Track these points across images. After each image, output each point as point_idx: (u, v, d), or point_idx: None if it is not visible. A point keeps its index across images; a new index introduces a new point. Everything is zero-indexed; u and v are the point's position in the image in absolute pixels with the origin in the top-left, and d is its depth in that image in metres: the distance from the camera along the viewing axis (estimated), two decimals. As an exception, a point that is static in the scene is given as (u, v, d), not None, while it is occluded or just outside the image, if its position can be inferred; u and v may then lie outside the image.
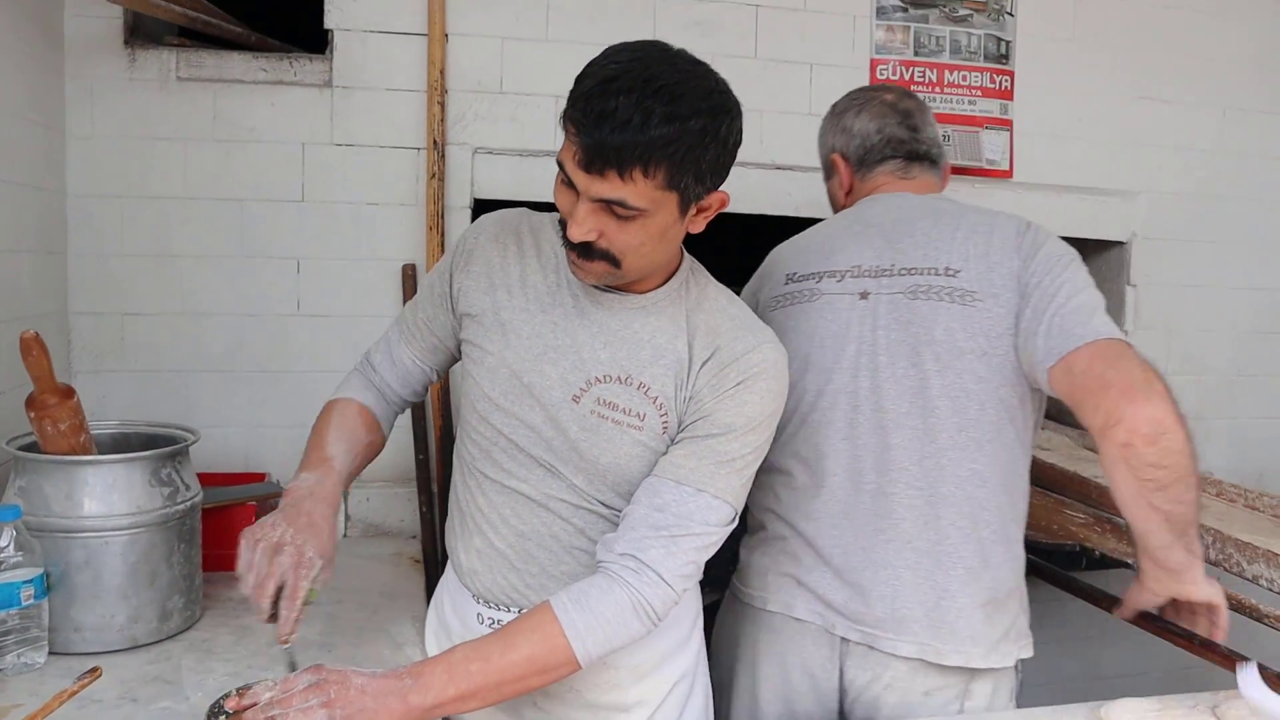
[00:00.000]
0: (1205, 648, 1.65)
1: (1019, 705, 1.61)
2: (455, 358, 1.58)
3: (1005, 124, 2.64)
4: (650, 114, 1.16)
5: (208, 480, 2.08)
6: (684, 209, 1.28)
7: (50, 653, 1.56)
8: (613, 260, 1.28)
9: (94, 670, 1.31)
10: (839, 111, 1.86)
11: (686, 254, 1.45)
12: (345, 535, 2.32)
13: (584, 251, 1.28)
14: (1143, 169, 2.80)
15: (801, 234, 1.85)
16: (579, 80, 1.22)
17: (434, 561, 2.27)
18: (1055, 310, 1.47)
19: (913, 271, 1.59)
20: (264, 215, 2.27)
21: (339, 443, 1.47)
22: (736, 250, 2.93)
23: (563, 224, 1.31)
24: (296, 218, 2.28)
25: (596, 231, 1.25)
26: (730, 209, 2.35)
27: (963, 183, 2.61)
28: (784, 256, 1.81)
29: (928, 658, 1.54)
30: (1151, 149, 2.81)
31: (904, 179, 1.78)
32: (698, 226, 1.34)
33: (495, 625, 1.46)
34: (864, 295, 1.63)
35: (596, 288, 1.39)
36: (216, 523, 1.95)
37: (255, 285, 2.29)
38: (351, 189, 2.30)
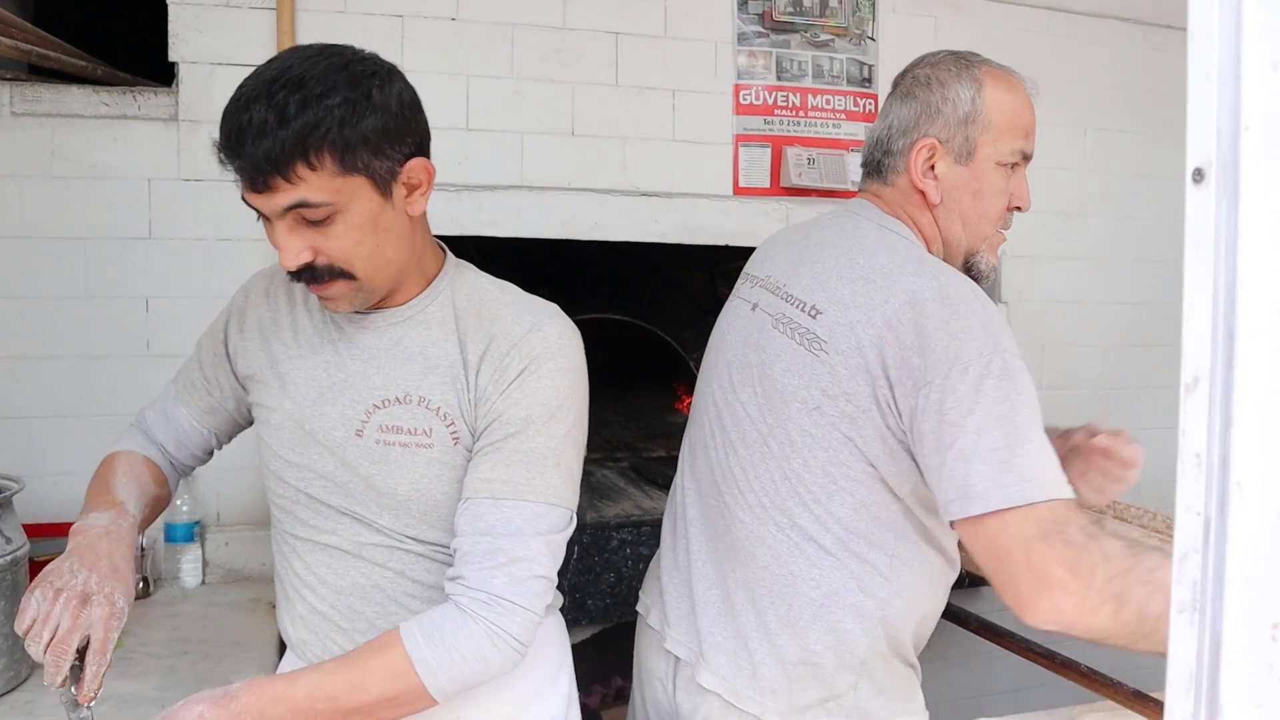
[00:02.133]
0: (1065, 666, 1.66)
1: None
2: (239, 423, 1.51)
3: (870, 147, 2.66)
4: (284, 107, 1.10)
5: (50, 530, 1.99)
6: (384, 190, 1.19)
7: None
8: (344, 274, 1.21)
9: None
10: None
11: (450, 254, 1.38)
12: (204, 582, 2.23)
13: (312, 276, 1.21)
14: (1010, 189, 2.85)
15: (785, 230, 1.71)
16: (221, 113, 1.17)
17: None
18: (957, 453, 1.22)
19: (789, 299, 1.45)
20: (109, 254, 2.19)
21: (128, 489, 1.37)
22: (605, 277, 2.92)
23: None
24: (144, 256, 2.20)
25: (307, 250, 1.18)
26: (597, 236, 2.32)
27: (829, 204, 2.63)
28: (757, 250, 1.68)
29: (725, 696, 1.44)
30: (1017, 168, 2.86)
31: (862, 190, 1.57)
32: (418, 206, 1.25)
33: None
34: (754, 307, 1.52)
35: (357, 313, 1.31)
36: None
37: (102, 326, 2.20)
38: (201, 225, 2.23)
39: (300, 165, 1.12)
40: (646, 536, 2.25)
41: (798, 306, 1.42)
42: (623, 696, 1.77)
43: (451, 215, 2.31)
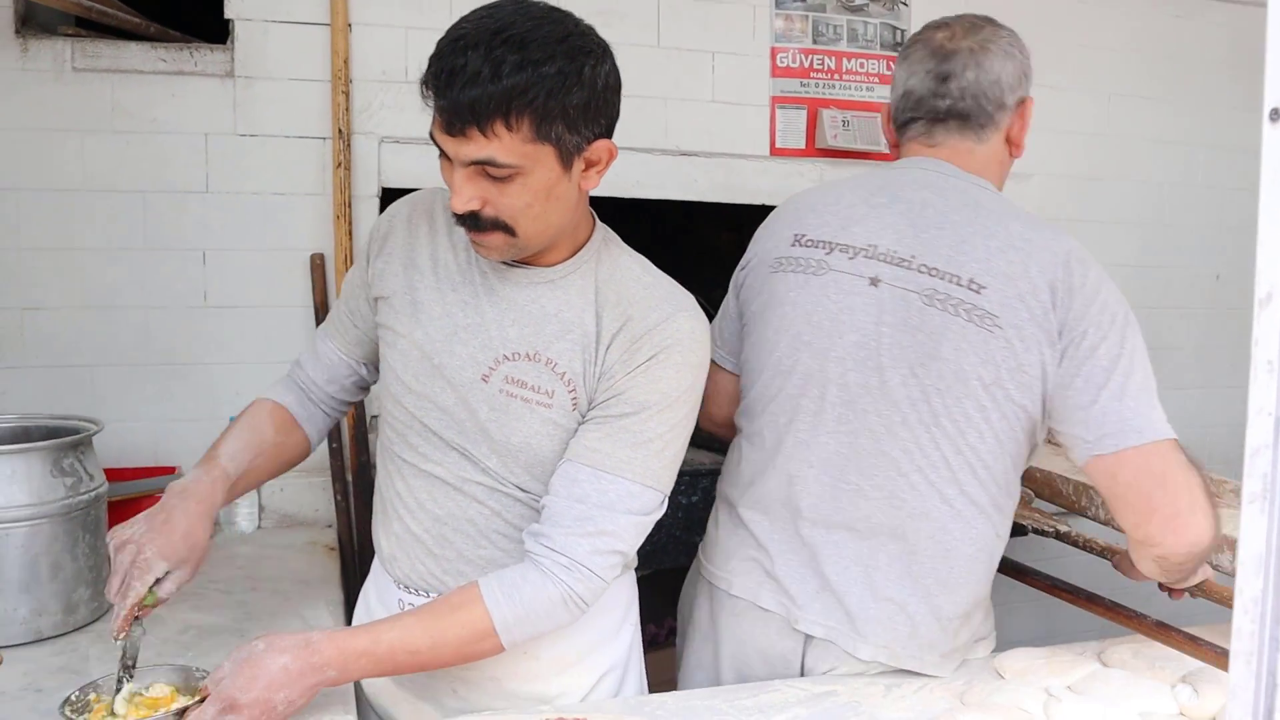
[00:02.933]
0: (1090, 601, 1.73)
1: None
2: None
3: (902, 110, 2.72)
4: (500, 64, 1.12)
5: (115, 475, 2.06)
6: (566, 163, 1.22)
7: (-51, 647, 1.55)
8: (506, 228, 1.24)
9: (-4, 658, 1.30)
10: (899, 54, 1.64)
11: (600, 223, 1.41)
12: (260, 527, 2.31)
13: (474, 224, 1.24)
14: (1033, 152, 2.88)
15: (819, 188, 1.70)
16: (435, 47, 1.19)
17: (350, 549, 2.28)
18: (1111, 393, 1.36)
19: (933, 273, 1.45)
20: (168, 207, 2.25)
21: (236, 440, 1.47)
22: (648, 237, 2.97)
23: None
24: (201, 209, 2.27)
25: (478, 199, 1.21)
26: (639, 194, 2.37)
27: (864, 166, 2.70)
28: (795, 211, 1.64)
29: (882, 659, 1.50)
30: (1042, 133, 2.91)
31: (929, 145, 1.56)
32: (591, 182, 1.28)
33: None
34: (874, 282, 1.48)
35: (504, 263, 1.35)
36: (123, 516, 1.93)
37: (161, 277, 2.26)
38: (257, 179, 2.29)
39: (499, 123, 1.15)
40: (685, 486, 2.32)
41: (951, 281, 1.43)
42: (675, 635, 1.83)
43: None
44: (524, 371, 1.33)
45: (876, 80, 2.70)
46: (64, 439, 1.67)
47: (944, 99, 1.53)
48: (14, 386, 2.20)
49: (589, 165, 1.26)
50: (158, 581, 1.31)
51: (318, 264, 2.29)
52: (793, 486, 1.54)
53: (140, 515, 1.32)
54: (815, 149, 2.64)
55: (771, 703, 1.38)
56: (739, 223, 3.02)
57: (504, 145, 1.17)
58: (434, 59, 1.18)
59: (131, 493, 1.97)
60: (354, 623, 1.63)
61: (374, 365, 1.54)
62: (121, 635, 1.29)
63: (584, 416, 1.34)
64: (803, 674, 1.54)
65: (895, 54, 2.71)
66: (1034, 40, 2.84)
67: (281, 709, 1.18)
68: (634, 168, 2.41)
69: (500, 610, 1.25)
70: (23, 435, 1.78)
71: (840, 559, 1.51)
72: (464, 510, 1.40)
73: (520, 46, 1.14)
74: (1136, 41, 3.04)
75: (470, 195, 1.21)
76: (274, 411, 1.52)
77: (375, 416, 2.38)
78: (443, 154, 1.24)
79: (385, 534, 1.49)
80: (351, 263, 2.25)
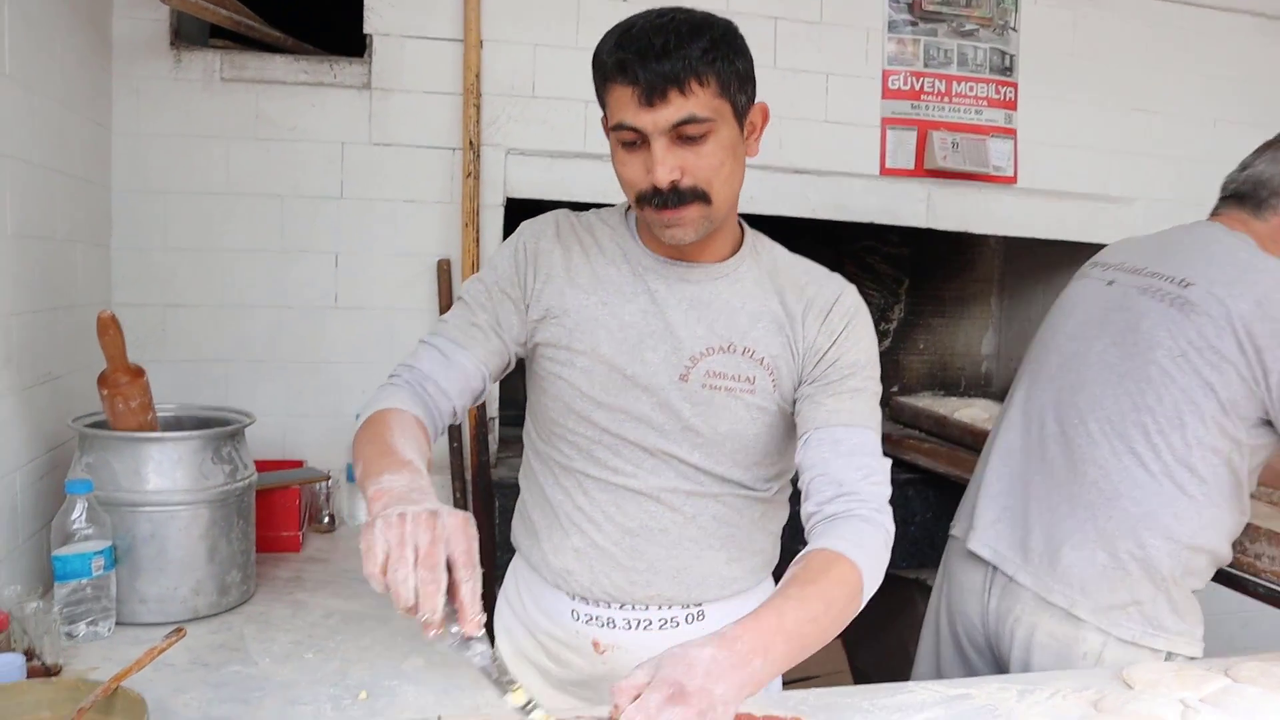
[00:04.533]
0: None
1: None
2: (509, 367, 1.51)
3: (1010, 133, 2.76)
4: (680, 35, 1.24)
5: (248, 467, 2.16)
6: (740, 121, 1.31)
7: (116, 623, 1.63)
8: (703, 197, 1.29)
9: (179, 630, 1.37)
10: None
11: (744, 223, 1.50)
12: (378, 521, 2.38)
13: (675, 199, 1.29)
14: (1138, 177, 2.93)
15: (1135, 237, 2.05)
16: (598, 51, 1.30)
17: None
18: None
19: (1156, 275, 1.78)
20: (303, 211, 2.36)
21: (414, 452, 1.21)
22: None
23: (641, 200, 1.32)
24: (335, 214, 2.37)
25: (678, 168, 1.27)
26: (752, 210, 2.46)
27: (969, 187, 2.74)
28: (1109, 250, 2.01)
29: (1039, 592, 1.74)
30: (1146, 158, 2.94)
31: (1215, 215, 1.87)
32: (754, 149, 1.37)
33: (592, 621, 1.49)
34: (1110, 283, 1.86)
35: (676, 264, 1.41)
36: (261, 505, 2.03)
37: (294, 279, 2.37)
38: (389, 187, 2.39)
39: (693, 81, 1.24)
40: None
41: (1166, 280, 1.76)
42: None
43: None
44: (722, 364, 1.40)
45: (985, 103, 2.74)
46: (224, 428, 1.76)
47: (1233, 181, 1.87)
48: (153, 380, 2.28)
49: (751, 129, 1.35)
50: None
51: (444, 269, 2.37)
52: (1007, 434, 1.90)
53: (391, 508, 1.02)
54: (924, 169, 2.69)
55: (910, 703, 1.41)
56: (836, 238, 3.07)
57: (700, 101, 1.25)
58: (616, 46, 1.27)
59: (271, 483, 2.05)
60: (499, 636, 1.65)
61: (493, 379, 1.51)
62: (479, 630, 1.00)
63: (784, 398, 1.42)
64: (988, 604, 1.83)
65: (1004, 78, 2.75)
66: (1140, 65, 2.90)
67: (720, 708, 0.98)
68: (750, 184, 2.41)
69: (862, 560, 1.21)
70: (175, 425, 1.88)
71: (1021, 495, 1.82)
72: (657, 520, 1.45)
73: (690, 20, 1.27)
74: (1242, 67, 3.04)
75: (672, 165, 1.27)
76: (419, 424, 1.34)
77: (494, 418, 2.46)
78: (626, 144, 1.31)
79: (556, 550, 1.50)
80: (477, 269, 2.33)
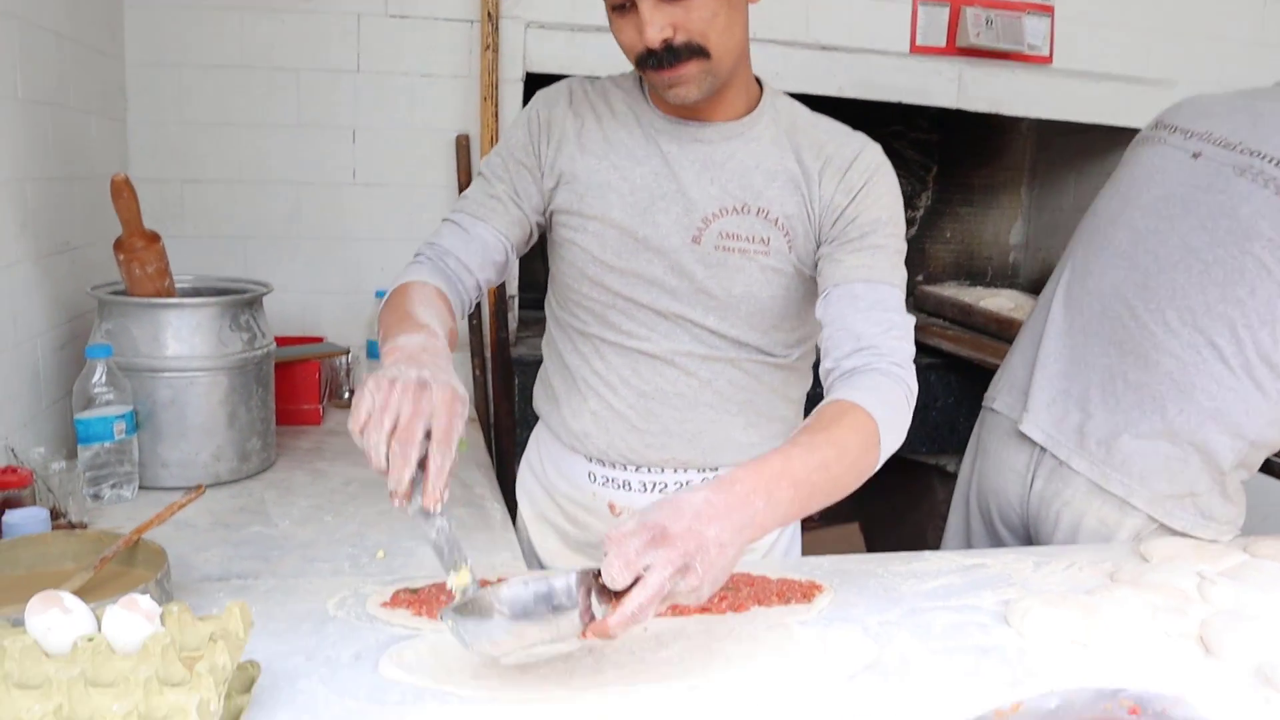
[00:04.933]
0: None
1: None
2: (531, 237, 1.50)
3: (1047, 10, 2.65)
4: None
5: (270, 342, 2.16)
6: None
7: (140, 487, 1.66)
8: (699, 52, 1.27)
9: (198, 488, 1.39)
10: None
11: (763, 81, 1.46)
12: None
13: (670, 57, 1.27)
14: (1180, 58, 2.82)
15: (1214, 96, 1.86)
16: None
17: (486, 422, 2.36)
18: None
19: (1256, 155, 1.63)
20: (320, 85, 2.32)
21: (432, 318, 1.22)
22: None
23: (640, 63, 1.30)
24: (352, 88, 2.33)
25: (669, 25, 1.25)
26: (776, 87, 2.39)
27: (1003, 67, 2.65)
28: (1173, 106, 1.85)
29: (1095, 479, 1.66)
30: (1190, 38, 2.83)
31: None
32: None
33: (608, 484, 1.51)
34: (1196, 155, 1.69)
35: (690, 123, 1.39)
36: (281, 377, 2.04)
37: (312, 154, 2.34)
38: (406, 60, 2.34)
39: None
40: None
41: (1269, 161, 1.60)
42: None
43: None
44: (735, 225, 1.38)
45: (1022, -22, 2.63)
46: (242, 295, 1.76)
47: None
48: (171, 255, 2.27)
49: None
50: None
51: (463, 145, 2.33)
52: (1065, 314, 1.77)
53: (393, 367, 1.02)
54: (956, 48, 2.60)
55: (925, 569, 1.42)
56: (864, 121, 2.99)
57: None
58: None
59: (293, 356, 2.06)
60: (520, 500, 1.69)
61: (516, 251, 1.51)
62: (445, 496, 0.98)
63: (800, 259, 1.39)
64: (1031, 485, 1.74)
65: (1042, -49, 2.63)
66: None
67: (714, 550, 0.94)
68: (774, 59, 2.40)
69: (878, 410, 1.17)
70: (194, 294, 1.88)
71: (1083, 380, 1.71)
72: (673, 384, 1.45)
73: None
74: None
75: (660, 23, 1.24)
76: (440, 296, 1.33)
77: (514, 296, 2.45)
78: (615, 8, 1.28)
79: (573, 414, 1.52)
80: (496, 143, 2.28)
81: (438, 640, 1.12)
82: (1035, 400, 1.75)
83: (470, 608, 0.97)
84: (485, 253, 1.43)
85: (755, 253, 1.39)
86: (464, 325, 2.38)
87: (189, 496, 1.36)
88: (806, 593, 1.27)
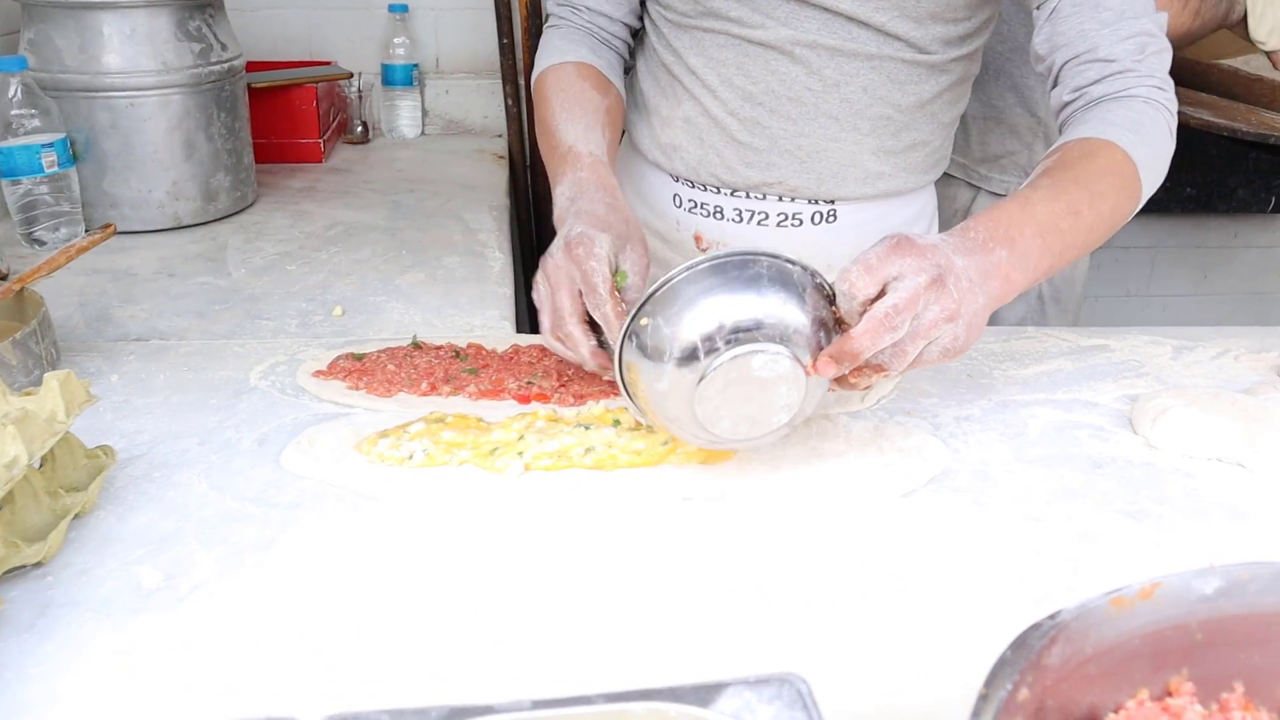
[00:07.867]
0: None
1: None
2: None
3: None
4: None
5: (261, 68, 1.85)
6: None
7: (86, 231, 1.42)
8: None
9: (107, 226, 1.12)
10: None
11: None
12: (423, 133, 2.09)
13: None
14: None
15: None
16: None
17: (520, 160, 2.04)
18: None
19: None
20: None
21: (574, 124, 1.07)
22: None
23: None
24: None
25: None
26: None
27: None
28: None
29: None
30: None
31: None
32: None
33: (696, 209, 1.21)
34: None
35: None
36: (270, 106, 1.75)
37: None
38: None
39: None
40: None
41: None
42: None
43: None
44: None
45: None
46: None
47: None
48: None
49: None
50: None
51: None
52: None
53: (540, 286, 0.92)
54: None
55: (1026, 350, 1.09)
56: None
57: None
58: None
59: (276, 80, 1.75)
60: None
61: None
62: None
63: None
64: None
65: None
66: None
67: (966, 282, 0.79)
68: None
69: (1138, 150, 0.95)
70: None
71: None
72: (788, 85, 1.10)
73: None
74: None
75: None
76: (579, 71, 1.15)
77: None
78: None
79: (663, 122, 1.21)
80: None
81: (370, 421, 0.88)
82: None
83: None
84: None
85: None
86: (491, 46, 2.02)
87: (92, 238, 1.09)
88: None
